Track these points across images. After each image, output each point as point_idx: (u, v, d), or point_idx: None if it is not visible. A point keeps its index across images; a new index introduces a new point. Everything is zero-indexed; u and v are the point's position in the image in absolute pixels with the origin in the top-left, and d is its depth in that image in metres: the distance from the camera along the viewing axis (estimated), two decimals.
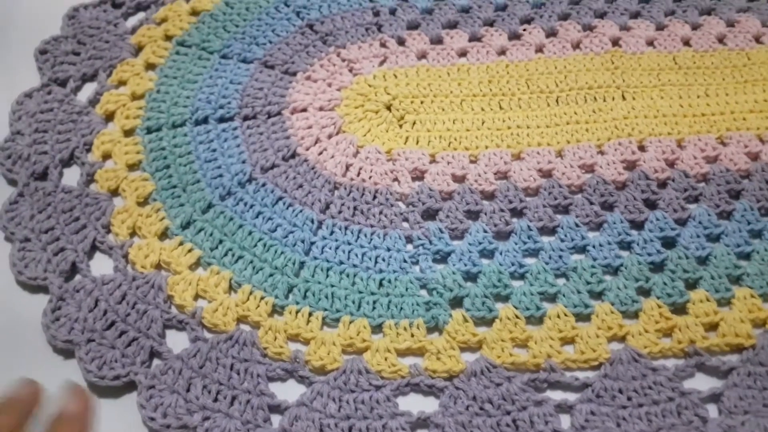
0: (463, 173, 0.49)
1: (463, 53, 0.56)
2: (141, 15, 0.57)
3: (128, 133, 0.50)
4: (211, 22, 0.56)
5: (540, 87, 0.53)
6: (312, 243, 0.45)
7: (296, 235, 0.45)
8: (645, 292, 0.44)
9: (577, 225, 0.46)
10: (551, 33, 0.57)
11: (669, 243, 0.46)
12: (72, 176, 0.48)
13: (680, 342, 0.41)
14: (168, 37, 0.55)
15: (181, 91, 0.52)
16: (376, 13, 0.57)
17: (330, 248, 0.45)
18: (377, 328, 0.42)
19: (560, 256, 0.45)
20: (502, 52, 0.56)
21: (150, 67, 0.54)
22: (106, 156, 0.49)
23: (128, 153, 0.49)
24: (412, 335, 0.41)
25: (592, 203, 0.47)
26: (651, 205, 0.48)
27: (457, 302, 0.43)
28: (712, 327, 0.42)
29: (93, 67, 0.53)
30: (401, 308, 0.43)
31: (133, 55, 0.54)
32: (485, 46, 0.56)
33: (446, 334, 0.41)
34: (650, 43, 0.57)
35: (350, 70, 0.54)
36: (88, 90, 0.52)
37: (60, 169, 0.48)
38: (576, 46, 0.56)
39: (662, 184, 0.49)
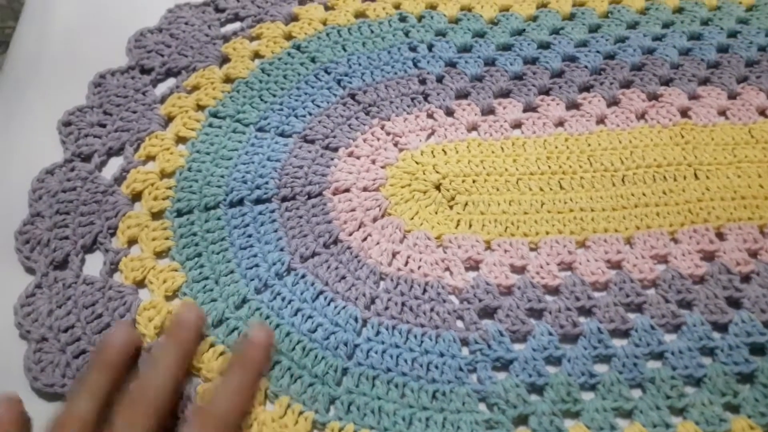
0: (522, 263, 0.44)
1: (517, 125, 0.51)
2: (171, 82, 0.53)
3: (156, 215, 0.46)
4: (247, 90, 0.52)
5: (604, 164, 0.49)
6: (356, 346, 0.41)
7: (338, 336, 0.41)
8: (733, 408, 0.39)
9: (652, 327, 0.41)
10: (613, 102, 0.52)
11: (758, 350, 0.40)
12: (95, 264, 0.44)
13: None
14: (200, 107, 0.52)
15: (215, 168, 0.48)
16: (423, 81, 0.53)
17: (376, 352, 0.40)
18: None
19: (635, 364, 0.40)
20: (560, 123, 0.51)
21: (181, 140, 0.50)
22: (132, 241, 0.45)
23: (156, 239, 0.45)
24: None
25: (668, 301, 0.42)
26: (735, 303, 0.43)
27: (521, 420, 0.38)
28: None
29: (119, 140, 0.50)
30: (458, 427, 0.38)
31: (162, 127, 0.50)
32: (541, 117, 0.51)
33: None
34: (722, 113, 0.52)
35: (395, 145, 0.50)
36: (114, 165, 0.49)
37: (82, 257, 0.44)
38: (641, 116, 0.52)
39: (746, 278, 0.44)
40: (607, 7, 0.57)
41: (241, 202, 0.47)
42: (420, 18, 0.57)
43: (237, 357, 0.36)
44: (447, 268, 0.44)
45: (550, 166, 0.49)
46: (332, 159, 0.49)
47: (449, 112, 0.52)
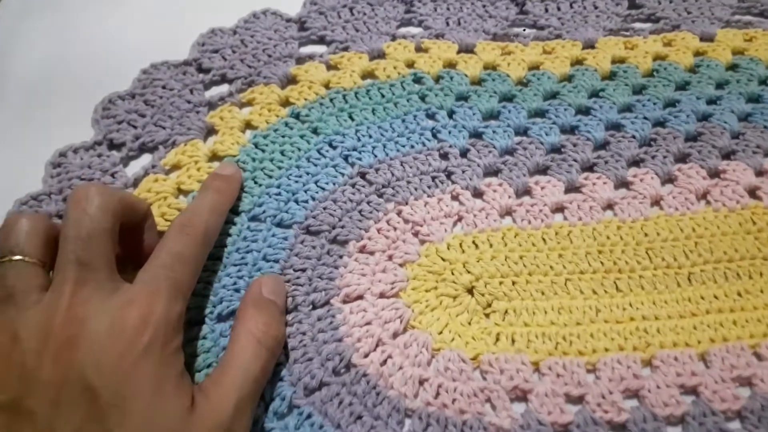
0: (580, 392, 0.36)
1: (559, 209, 0.43)
2: (146, 159, 0.45)
3: None
4: None
5: (665, 259, 0.41)
6: None
7: None
8: None
9: None
10: (668, 179, 0.45)
11: None
12: None
13: None
14: (182, 192, 0.43)
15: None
16: (444, 156, 0.45)
17: None
18: None
19: None
20: (608, 206, 0.43)
21: (158, 234, 0.41)
22: None
23: None
24: None
25: None
26: None
27: None
28: None
29: None
30: None
31: None
32: (587, 200, 0.43)
33: None
34: None
35: (416, 235, 0.42)
36: None
37: None
38: (702, 197, 0.44)
39: None
40: (652, 64, 0.50)
41: (231, 315, 0.38)
42: (437, 78, 0.49)
43: (208, 182, 0.40)
44: (488, 400, 0.36)
45: (602, 263, 0.41)
46: (341, 256, 0.40)
47: (477, 194, 0.44)
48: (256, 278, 0.37)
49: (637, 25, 0.53)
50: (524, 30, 0.52)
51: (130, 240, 0.36)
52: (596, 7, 0.54)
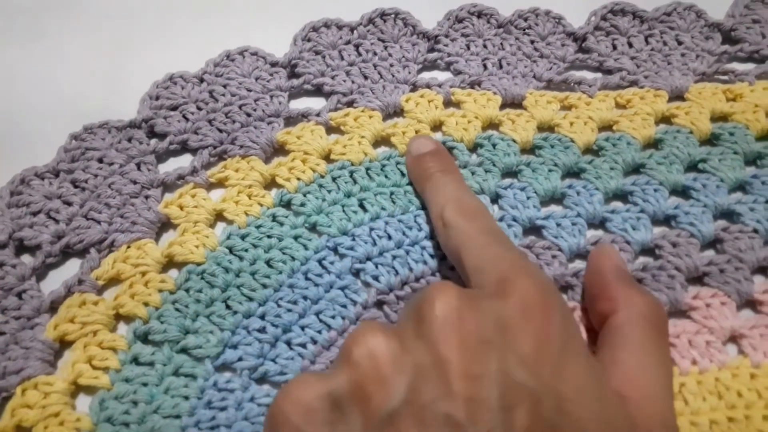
0: None
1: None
2: (72, 269, 0.32)
3: None
4: (203, 289, 0.31)
5: None
6: None
7: None
8: None
9: None
10: None
11: None
12: None
13: None
14: (122, 319, 0.30)
15: None
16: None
17: None
18: None
19: None
20: (732, 339, 0.31)
21: (85, 389, 0.28)
22: None
23: None
24: None
25: None
26: None
27: None
28: None
29: None
30: None
31: (50, 365, 0.29)
32: (700, 330, 0.30)
33: None
34: None
35: None
36: None
37: None
38: None
39: None
40: (765, 121, 0.37)
41: None
42: (475, 147, 0.36)
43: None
44: None
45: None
46: None
47: None
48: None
49: (738, 65, 0.40)
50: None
51: None
52: (680, 43, 0.41)
